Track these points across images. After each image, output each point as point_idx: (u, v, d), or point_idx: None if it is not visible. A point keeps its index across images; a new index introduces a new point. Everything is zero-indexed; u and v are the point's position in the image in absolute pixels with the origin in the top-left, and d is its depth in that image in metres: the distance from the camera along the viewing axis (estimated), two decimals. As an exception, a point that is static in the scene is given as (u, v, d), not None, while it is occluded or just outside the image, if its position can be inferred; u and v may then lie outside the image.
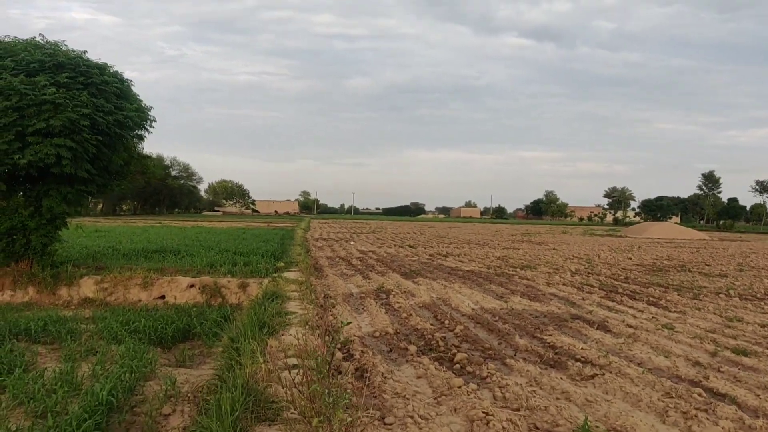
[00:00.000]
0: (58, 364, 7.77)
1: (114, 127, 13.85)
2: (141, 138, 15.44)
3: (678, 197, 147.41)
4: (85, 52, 14.00)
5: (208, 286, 14.31)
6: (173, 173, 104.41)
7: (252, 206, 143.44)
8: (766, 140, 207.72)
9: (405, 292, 13.54)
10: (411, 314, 10.52)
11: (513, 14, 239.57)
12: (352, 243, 32.61)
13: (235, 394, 5.04)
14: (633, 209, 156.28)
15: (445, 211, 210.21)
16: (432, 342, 8.47)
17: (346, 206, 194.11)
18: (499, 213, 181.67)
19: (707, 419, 5.46)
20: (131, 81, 14.76)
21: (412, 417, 5.36)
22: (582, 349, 8.14)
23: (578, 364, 7.37)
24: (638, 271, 19.85)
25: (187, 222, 56.46)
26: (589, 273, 18.94)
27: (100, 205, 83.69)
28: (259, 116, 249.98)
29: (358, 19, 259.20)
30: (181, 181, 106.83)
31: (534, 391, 6.22)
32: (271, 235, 31.11)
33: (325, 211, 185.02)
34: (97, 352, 8.52)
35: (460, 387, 6.26)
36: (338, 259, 22.12)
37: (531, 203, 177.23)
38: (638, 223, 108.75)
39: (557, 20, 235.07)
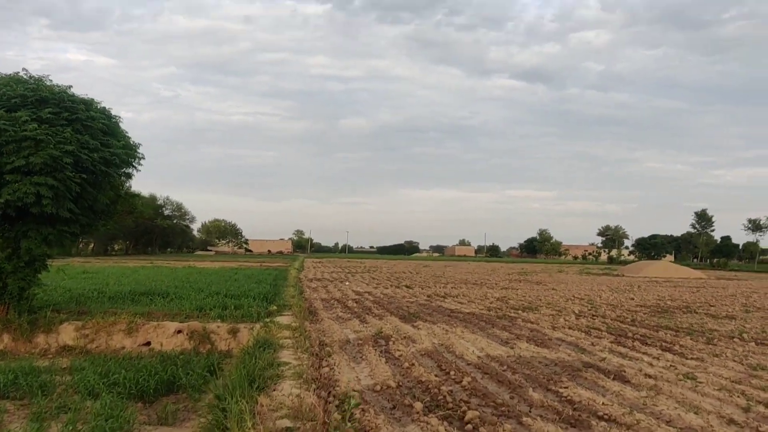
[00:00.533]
0: (26, 425, 7.00)
1: (100, 165, 13.24)
2: (129, 176, 14.84)
3: (671, 235, 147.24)
4: (70, 87, 13.47)
5: (197, 331, 13.52)
6: (166, 212, 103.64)
7: (245, 246, 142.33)
8: (755, 179, 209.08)
9: (405, 337, 12.79)
10: (413, 364, 9.78)
11: (504, 56, 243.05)
12: (347, 283, 31.83)
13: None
14: (627, 247, 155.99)
15: (439, 249, 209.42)
16: (438, 397, 7.74)
17: (340, 245, 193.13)
18: (493, 251, 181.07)
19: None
20: (119, 117, 14.23)
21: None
22: (603, 404, 7.42)
23: (603, 423, 6.65)
24: (644, 313, 19.16)
25: (178, 262, 55.53)
26: (593, 315, 18.24)
27: (91, 245, 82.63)
28: (254, 156, 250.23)
29: (353, 60, 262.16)
30: (174, 221, 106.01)
31: (559, 458, 5.49)
32: (264, 276, 30.32)
33: (319, 250, 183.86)
34: (69, 409, 7.74)
35: (475, 454, 5.53)
36: (333, 301, 21.35)
37: (525, 242, 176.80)
38: (633, 261, 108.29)
39: (547, 62, 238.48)
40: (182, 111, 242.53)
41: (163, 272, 31.88)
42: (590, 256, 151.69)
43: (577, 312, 18.97)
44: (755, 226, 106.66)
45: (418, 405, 7.27)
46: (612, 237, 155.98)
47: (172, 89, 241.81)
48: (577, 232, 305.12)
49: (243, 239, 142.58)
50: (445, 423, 6.63)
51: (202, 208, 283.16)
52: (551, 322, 15.98)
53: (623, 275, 55.23)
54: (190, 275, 28.80)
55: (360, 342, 12.16)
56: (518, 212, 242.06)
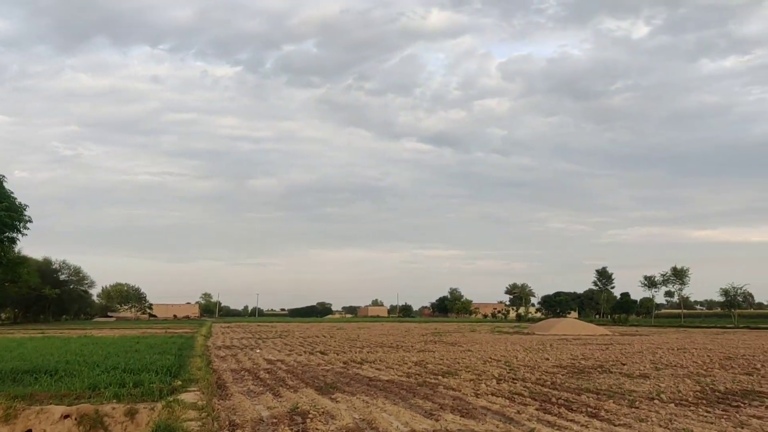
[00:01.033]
0: None
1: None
2: (13, 241, 13.36)
3: (575, 292, 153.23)
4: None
5: (87, 415, 11.98)
6: (62, 277, 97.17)
7: (149, 311, 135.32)
8: (644, 238, 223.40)
9: (323, 413, 11.87)
10: (334, 446, 8.94)
11: (412, 121, 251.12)
12: (258, 351, 30.29)
13: None
14: (533, 305, 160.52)
15: (351, 310, 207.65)
16: (365, 487, 6.96)
17: (249, 308, 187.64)
18: (405, 311, 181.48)
19: None
20: (4, 177, 12.90)
21: None
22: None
23: None
24: (562, 375, 19.08)
25: (74, 331, 51.46)
26: (514, 379, 17.95)
27: (-27, 315, 75.73)
28: (160, 216, 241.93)
29: (263, 122, 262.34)
30: (71, 286, 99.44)
31: None
32: (169, 345, 28.31)
33: (228, 314, 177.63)
34: None
35: None
36: (244, 371, 20.02)
37: (437, 300, 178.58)
38: (540, 318, 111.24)
39: (453, 127, 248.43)
40: (83, 170, 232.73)
41: (55, 344, 29.15)
42: (500, 314, 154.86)
43: (497, 376, 18.63)
44: (650, 282, 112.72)
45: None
46: (519, 295, 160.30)
47: (72, 148, 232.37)
48: (485, 290, 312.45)
49: (147, 304, 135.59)
50: None
51: (104, 271, 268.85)
52: (473, 389, 15.50)
53: (534, 333, 56.19)
54: (84, 347, 26.41)
55: (275, 421, 11.14)
56: (429, 271, 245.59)
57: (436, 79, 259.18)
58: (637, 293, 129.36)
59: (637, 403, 13.17)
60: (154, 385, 14.10)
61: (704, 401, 13.61)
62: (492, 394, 14.58)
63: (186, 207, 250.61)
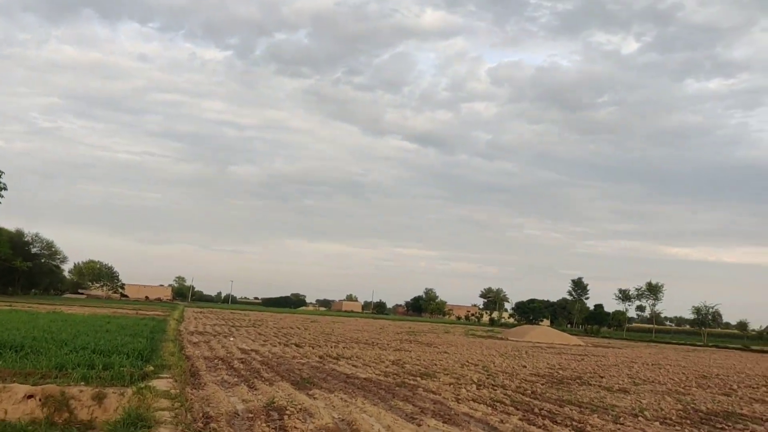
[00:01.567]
0: None
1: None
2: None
3: (548, 300, 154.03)
4: None
5: (53, 397, 11.37)
6: (33, 250, 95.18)
7: (121, 290, 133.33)
8: (620, 251, 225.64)
9: (301, 410, 11.41)
10: (315, 447, 8.50)
11: (399, 119, 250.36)
12: (232, 339, 29.69)
13: None
14: (506, 310, 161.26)
15: (325, 303, 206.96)
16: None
17: (223, 294, 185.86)
18: (379, 308, 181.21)
19: None
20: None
21: None
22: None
23: None
24: (541, 384, 18.81)
25: (43, 306, 50.36)
26: (493, 385, 17.63)
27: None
28: (138, 197, 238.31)
29: (249, 109, 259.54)
30: (42, 260, 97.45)
31: None
32: (140, 327, 27.59)
33: (200, 299, 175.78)
34: None
35: None
36: (218, 360, 19.46)
37: (411, 299, 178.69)
38: (513, 324, 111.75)
39: (439, 128, 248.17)
40: (62, 144, 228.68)
41: (22, 318, 28.28)
42: (473, 317, 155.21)
43: (476, 381, 18.31)
44: (624, 296, 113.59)
45: None
46: (493, 299, 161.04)
47: (52, 120, 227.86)
48: (460, 292, 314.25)
49: (119, 283, 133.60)
50: None
51: (77, 247, 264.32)
52: (454, 393, 15.13)
53: (508, 339, 56.25)
54: (53, 323, 25.61)
55: (250, 416, 10.66)
56: (405, 270, 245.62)
57: (425, 79, 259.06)
58: (611, 305, 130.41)
59: (621, 419, 12.90)
60: (125, 368, 13.50)
61: (688, 421, 13.39)
62: (473, 400, 14.23)
63: (165, 189, 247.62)
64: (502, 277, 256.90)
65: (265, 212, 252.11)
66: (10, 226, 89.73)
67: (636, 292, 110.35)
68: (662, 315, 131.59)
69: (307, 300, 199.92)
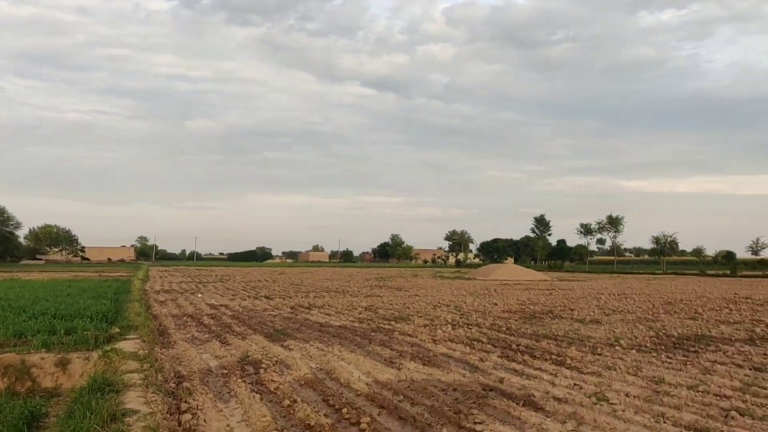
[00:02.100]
0: None
1: None
2: None
3: (511, 239, 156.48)
4: None
5: (12, 366, 10.78)
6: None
7: (81, 254, 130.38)
8: (580, 188, 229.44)
9: (277, 362, 11.09)
10: (295, 400, 8.17)
11: (355, 64, 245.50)
12: (200, 295, 29.15)
13: None
14: (471, 251, 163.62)
15: (292, 255, 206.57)
16: (336, 448, 6.23)
17: (187, 252, 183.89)
18: (347, 256, 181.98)
19: None
20: None
21: None
22: (529, 443, 6.34)
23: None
24: (515, 320, 18.89)
25: (-1, 274, 48.78)
26: (468, 324, 17.61)
27: None
28: (91, 157, 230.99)
29: (200, 61, 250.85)
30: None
31: None
32: (104, 289, 26.83)
33: (165, 257, 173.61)
34: None
35: None
36: (186, 317, 18.97)
37: (378, 246, 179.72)
38: (479, 264, 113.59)
39: (396, 72, 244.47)
40: (5, 105, 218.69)
41: (-23, 287, 27.19)
42: (439, 260, 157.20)
43: (450, 321, 18.26)
44: (586, 230, 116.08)
45: (315, 464, 5.73)
46: (458, 241, 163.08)
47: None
48: (426, 236, 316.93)
49: (79, 247, 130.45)
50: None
51: (32, 213, 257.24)
52: (430, 335, 15.01)
53: (475, 278, 56.90)
54: (10, 290, 24.66)
55: (225, 371, 10.28)
56: (370, 217, 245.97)
57: (379, 22, 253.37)
58: (573, 240, 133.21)
59: (599, 349, 12.95)
60: (89, 332, 12.93)
61: (662, 347, 13.53)
62: (450, 341, 14.12)
63: (119, 148, 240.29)
64: (466, 219, 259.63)
65: (225, 167, 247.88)
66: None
67: (597, 226, 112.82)
68: (622, 246, 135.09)
69: (274, 253, 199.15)
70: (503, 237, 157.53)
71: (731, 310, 23.16)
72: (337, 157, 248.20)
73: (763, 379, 9.90)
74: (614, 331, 16.07)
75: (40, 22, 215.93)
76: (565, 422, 7.19)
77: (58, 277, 41.12)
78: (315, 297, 28.35)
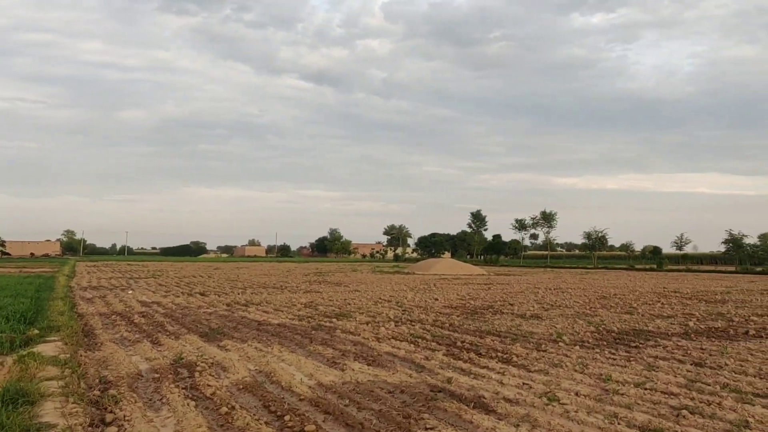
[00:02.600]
0: None
1: None
2: None
3: (448, 234, 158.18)
4: None
5: None
6: None
7: (1, 248, 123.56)
8: (514, 183, 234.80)
9: (213, 364, 10.45)
10: (233, 406, 7.60)
11: (293, 57, 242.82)
12: (130, 292, 27.83)
13: None
14: (410, 245, 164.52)
15: (227, 249, 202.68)
16: (279, 461, 5.74)
17: (118, 246, 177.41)
18: (284, 251, 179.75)
19: None
20: None
21: None
22: (485, 450, 6.02)
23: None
24: (457, 316, 18.74)
25: None
26: (411, 321, 17.33)
27: None
28: (11, 147, 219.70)
29: (132, 49, 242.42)
30: None
31: None
32: (24, 287, 25.25)
33: (93, 252, 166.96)
34: None
35: None
36: (115, 316, 17.92)
37: (316, 241, 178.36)
38: (417, 258, 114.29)
39: (335, 66, 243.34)
40: None
41: None
42: (378, 254, 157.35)
43: (392, 318, 17.95)
44: (521, 225, 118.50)
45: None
46: (397, 236, 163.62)
47: None
48: (364, 231, 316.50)
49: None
50: None
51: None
52: (373, 333, 14.62)
53: (414, 273, 56.98)
54: None
55: (156, 376, 9.56)
56: (308, 211, 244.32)
57: (319, 15, 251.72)
58: (508, 235, 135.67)
59: (543, 346, 12.86)
60: (4, 334, 11.94)
61: (604, 342, 13.60)
62: (394, 338, 13.78)
63: (42, 138, 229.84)
64: (404, 214, 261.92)
65: (157, 159, 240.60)
66: None
67: (531, 222, 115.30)
68: (555, 241, 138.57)
69: (208, 247, 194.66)
70: (441, 232, 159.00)
71: (663, 304, 23.78)
72: (274, 150, 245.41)
73: (705, 375, 9.98)
74: (555, 327, 16.11)
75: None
76: (518, 425, 6.93)
77: (-25, 274, 38.59)
78: (252, 293, 27.52)
